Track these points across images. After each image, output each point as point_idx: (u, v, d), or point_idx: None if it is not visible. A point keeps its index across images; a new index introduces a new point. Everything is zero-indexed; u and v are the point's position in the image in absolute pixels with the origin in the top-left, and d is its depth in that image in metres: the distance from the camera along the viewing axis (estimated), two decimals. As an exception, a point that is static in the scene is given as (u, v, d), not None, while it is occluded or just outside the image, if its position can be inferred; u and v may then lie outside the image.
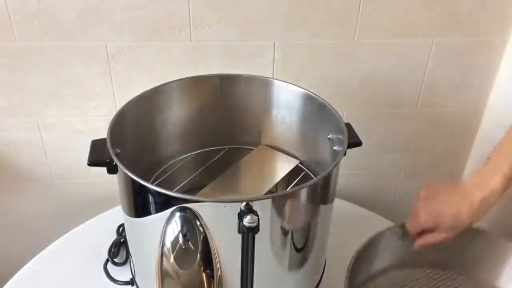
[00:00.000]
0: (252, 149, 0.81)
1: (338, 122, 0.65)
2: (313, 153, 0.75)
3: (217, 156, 0.79)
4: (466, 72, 0.98)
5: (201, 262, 0.56)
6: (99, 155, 0.60)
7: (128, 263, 0.81)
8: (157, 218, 0.56)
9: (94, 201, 1.04)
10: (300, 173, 0.77)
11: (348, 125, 0.67)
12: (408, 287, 0.75)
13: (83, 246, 0.87)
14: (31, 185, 1.01)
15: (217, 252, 0.55)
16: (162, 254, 0.58)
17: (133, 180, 0.54)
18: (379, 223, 0.95)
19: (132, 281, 0.72)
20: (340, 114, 0.66)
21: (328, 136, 0.69)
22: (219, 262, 0.56)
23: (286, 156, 0.79)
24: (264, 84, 0.75)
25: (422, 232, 0.70)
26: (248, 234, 0.51)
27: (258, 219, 0.50)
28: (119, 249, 0.83)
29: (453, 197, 0.65)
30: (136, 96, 0.68)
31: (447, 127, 1.05)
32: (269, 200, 0.52)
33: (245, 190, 0.73)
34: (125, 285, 0.74)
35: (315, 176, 0.73)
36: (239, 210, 0.51)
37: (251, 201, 0.50)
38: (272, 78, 0.75)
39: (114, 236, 0.86)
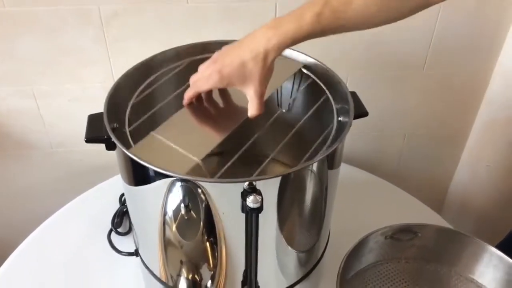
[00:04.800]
0: None
1: (343, 92, 0.63)
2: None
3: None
4: (475, 33, 0.94)
5: (204, 232, 0.55)
6: (96, 131, 0.58)
7: (131, 233, 0.81)
8: (157, 188, 0.54)
9: (96, 169, 1.03)
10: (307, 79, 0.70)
11: (353, 94, 0.65)
12: (395, 279, 0.76)
13: (86, 215, 0.87)
14: (31, 153, 1.00)
15: (221, 221, 0.54)
16: (164, 223, 0.57)
17: (132, 160, 0.52)
18: (383, 188, 0.95)
19: (136, 252, 0.72)
20: (345, 78, 0.63)
21: (335, 107, 0.66)
22: (223, 231, 0.55)
23: (289, 59, 0.71)
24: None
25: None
26: (252, 214, 0.50)
27: (262, 199, 0.49)
28: (122, 218, 0.83)
29: (238, 49, 0.54)
30: (131, 68, 0.65)
31: (454, 89, 1.02)
32: (274, 180, 0.50)
33: (238, 104, 0.63)
34: (129, 256, 0.74)
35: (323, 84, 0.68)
36: (242, 189, 0.49)
37: (254, 181, 0.49)
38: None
39: (117, 205, 0.86)
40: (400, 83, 1.01)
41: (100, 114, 0.59)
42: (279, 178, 0.51)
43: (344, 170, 0.66)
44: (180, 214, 0.55)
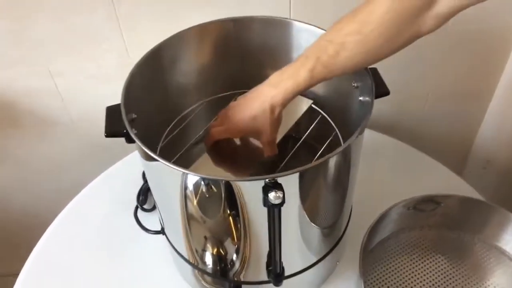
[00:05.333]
0: None
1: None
2: (335, 99, 0.71)
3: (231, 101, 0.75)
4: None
5: (225, 207, 0.55)
6: (115, 125, 0.58)
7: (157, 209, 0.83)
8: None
9: (119, 142, 1.03)
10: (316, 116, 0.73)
11: (374, 71, 0.63)
12: (417, 247, 0.77)
13: (113, 191, 0.89)
14: (52, 129, 1.01)
15: (246, 213, 0.55)
16: (185, 199, 0.57)
17: (151, 156, 0.52)
18: (404, 152, 0.94)
19: (162, 230, 0.74)
20: None
21: (353, 84, 0.65)
22: (247, 219, 0.56)
23: (298, 96, 0.74)
24: (282, 26, 0.69)
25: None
26: (274, 209, 0.50)
27: (284, 194, 0.49)
28: (147, 195, 0.85)
29: (247, 101, 0.61)
30: (144, 56, 0.63)
31: (479, 46, 0.97)
32: (295, 175, 0.50)
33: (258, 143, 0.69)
34: (156, 234, 0.76)
35: (331, 118, 0.72)
36: (263, 184, 0.50)
37: (275, 177, 0.49)
38: (291, 19, 0.69)
39: (141, 180, 0.87)
40: (423, 40, 0.97)
41: (118, 106, 0.58)
42: (301, 173, 0.51)
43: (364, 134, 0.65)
44: (202, 194, 0.55)
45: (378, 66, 0.61)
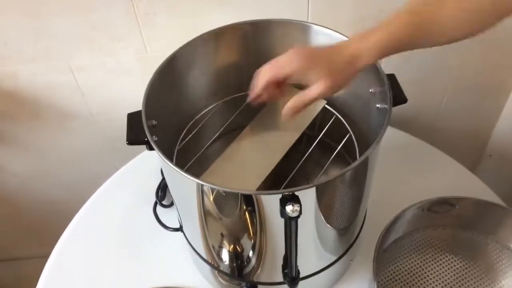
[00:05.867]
0: None
1: (379, 75, 0.61)
2: (351, 103, 0.72)
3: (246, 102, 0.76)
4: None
5: (242, 216, 0.57)
6: (137, 132, 0.59)
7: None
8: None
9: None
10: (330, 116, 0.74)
11: (391, 77, 0.63)
12: (430, 246, 0.77)
13: (132, 186, 0.91)
14: (72, 122, 1.03)
15: (264, 223, 0.56)
16: (203, 206, 0.58)
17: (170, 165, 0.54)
18: (419, 149, 0.94)
19: (181, 228, 0.76)
20: None
21: (370, 90, 0.65)
22: (263, 219, 0.56)
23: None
24: (300, 29, 0.69)
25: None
26: (291, 221, 0.52)
27: (300, 207, 0.50)
28: (165, 191, 0.87)
29: (326, 49, 0.54)
30: (162, 63, 0.64)
31: (498, 41, 0.96)
32: (312, 189, 0.52)
33: (273, 143, 0.71)
34: (175, 231, 0.79)
35: (346, 120, 0.72)
36: (280, 196, 0.51)
37: (293, 191, 0.50)
38: (309, 23, 0.68)
39: (160, 175, 0.89)
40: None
41: (139, 112, 0.60)
42: (318, 187, 0.52)
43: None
44: (218, 203, 0.56)
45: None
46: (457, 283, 0.73)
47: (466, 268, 0.75)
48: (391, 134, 0.95)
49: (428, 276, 0.74)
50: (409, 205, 0.74)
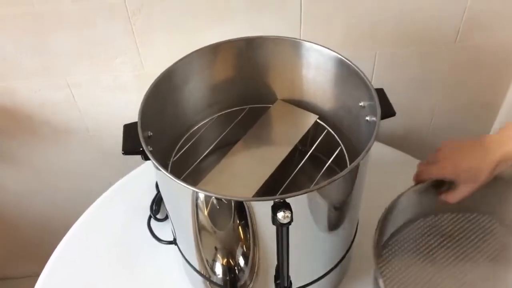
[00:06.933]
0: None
1: (369, 89, 0.63)
2: (342, 116, 0.73)
3: (240, 116, 0.78)
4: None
5: (235, 223, 0.57)
6: (132, 143, 0.60)
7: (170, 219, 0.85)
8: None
9: (132, 152, 1.07)
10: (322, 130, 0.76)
11: (380, 92, 0.65)
12: (434, 234, 0.76)
13: (127, 201, 0.91)
14: (68, 138, 1.04)
15: (256, 232, 0.57)
16: (197, 214, 0.59)
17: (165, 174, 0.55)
18: (411, 166, 0.94)
19: (175, 241, 0.77)
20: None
21: (360, 104, 0.67)
22: (255, 225, 0.57)
23: (304, 111, 0.78)
24: (292, 46, 0.71)
25: (437, 183, 0.71)
26: (282, 228, 0.53)
27: (292, 214, 0.51)
28: (160, 205, 0.87)
29: (474, 153, 0.66)
30: (158, 77, 0.65)
31: (487, 61, 0.99)
32: (303, 196, 0.53)
33: (266, 155, 0.73)
34: (169, 244, 0.79)
35: (337, 133, 0.74)
36: (272, 203, 0.52)
37: (284, 198, 0.51)
38: (301, 40, 0.71)
39: (155, 190, 0.90)
40: (430, 56, 0.99)
41: (134, 124, 0.61)
42: (309, 194, 0.53)
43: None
44: (212, 210, 0.57)
45: (384, 83, 0.61)
46: (469, 266, 0.72)
47: (475, 251, 0.73)
48: (381, 151, 0.97)
49: (436, 263, 0.72)
50: (403, 191, 0.71)
